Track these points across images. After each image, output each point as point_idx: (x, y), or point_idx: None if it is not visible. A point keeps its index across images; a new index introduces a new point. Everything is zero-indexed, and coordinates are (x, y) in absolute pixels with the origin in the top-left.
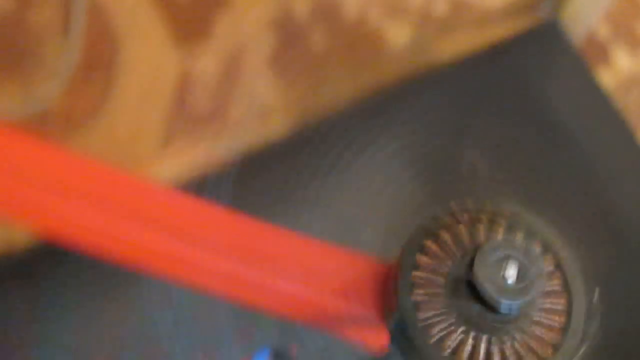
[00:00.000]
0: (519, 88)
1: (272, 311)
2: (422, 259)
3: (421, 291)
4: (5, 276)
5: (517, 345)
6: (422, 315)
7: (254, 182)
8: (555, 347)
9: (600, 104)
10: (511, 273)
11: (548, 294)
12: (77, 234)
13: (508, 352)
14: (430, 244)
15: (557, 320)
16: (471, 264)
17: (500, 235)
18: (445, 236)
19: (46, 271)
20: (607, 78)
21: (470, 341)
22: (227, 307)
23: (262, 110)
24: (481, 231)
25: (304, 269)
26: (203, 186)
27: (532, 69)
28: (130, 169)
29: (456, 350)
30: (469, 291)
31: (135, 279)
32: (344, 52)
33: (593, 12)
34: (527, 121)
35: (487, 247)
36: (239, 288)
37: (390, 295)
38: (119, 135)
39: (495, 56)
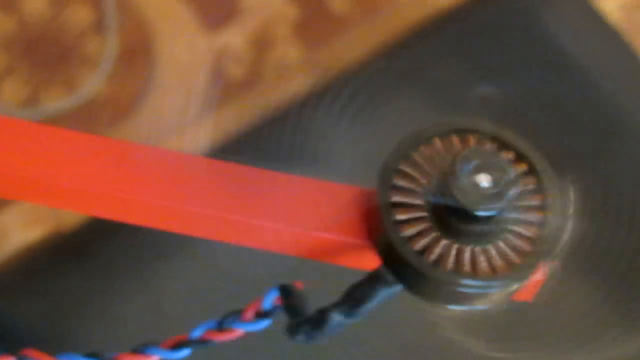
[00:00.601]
0: (520, 23)
1: (262, 248)
2: (400, 179)
3: (402, 210)
4: (56, 253)
5: (501, 245)
6: (405, 232)
7: (281, 131)
8: (537, 241)
9: (600, 28)
10: (485, 181)
11: (524, 194)
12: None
13: (493, 252)
14: (406, 164)
15: (536, 217)
16: (447, 178)
17: (472, 147)
18: (420, 155)
19: (94, 247)
20: (611, 2)
21: (454, 251)
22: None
23: (288, 72)
24: (454, 144)
25: (288, 205)
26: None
27: (530, 4)
28: (173, 143)
29: (440, 260)
30: (448, 204)
31: (175, 251)
32: (360, 13)
33: None
34: (531, 53)
35: (460, 158)
36: (229, 231)
37: (375, 219)
38: (164, 114)
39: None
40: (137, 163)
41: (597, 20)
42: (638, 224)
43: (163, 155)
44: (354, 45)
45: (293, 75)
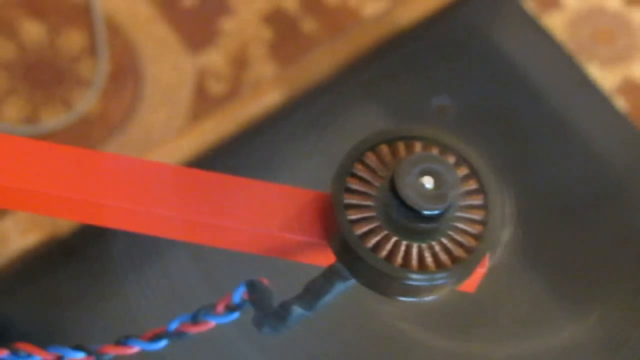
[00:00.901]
0: (472, 40)
1: (227, 247)
2: (353, 182)
3: (355, 210)
4: (53, 256)
5: (444, 241)
6: (358, 230)
7: (257, 141)
8: (479, 238)
9: (546, 43)
10: (430, 182)
11: (467, 194)
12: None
13: (437, 248)
14: (358, 167)
15: (478, 215)
16: (394, 181)
17: (417, 152)
18: (370, 158)
19: (85, 251)
20: (559, 19)
21: (402, 247)
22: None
23: (264, 87)
24: (401, 150)
25: (251, 208)
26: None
27: (483, 21)
28: (160, 154)
29: (391, 255)
30: (396, 204)
31: (161, 252)
32: (328, 32)
33: None
34: (483, 67)
35: (406, 162)
36: (196, 232)
37: (330, 219)
38: (151, 129)
39: (446, 17)
40: (122, 174)
41: (544, 36)
42: (576, 221)
43: (142, 165)
44: (322, 62)
45: (268, 90)
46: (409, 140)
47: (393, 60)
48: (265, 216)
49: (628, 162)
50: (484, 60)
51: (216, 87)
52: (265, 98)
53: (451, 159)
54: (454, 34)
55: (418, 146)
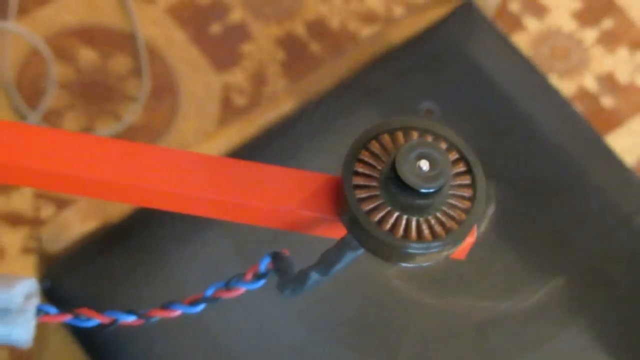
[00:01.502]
0: (452, 54)
1: (253, 223)
2: (359, 166)
3: (362, 190)
4: (107, 239)
5: (439, 215)
6: (365, 207)
7: (274, 142)
8: (468, 212)
9: (515, 57)
10: (425, 165)
11: (457, 175)
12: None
13: (433, 222)
14: (363, 153)
15: (467, 192)
16: (396, 164)
17: (414, 138)
18: (374, 145)
19: (135, 234)
20: (523, 38)
21: (403, 221)
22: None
23: (278, 98)
24: (400, 138)
25: (274, 189)
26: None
27: (462, 38)
28: None
29: (393, 228)
30: (397, 184)
31: (199, 230)
32: (330, 52)
33: None
34: (463, 76)
35: (405, 148)
36: (227, 211)
37: (341, 198)
38: (186, 135)
39: (430, 35)
40: (167, 163)
41: (511, 51)
42: (542, 203)
43: (182, 155)
44: (326, 76)
45: (282, 101)
46: (406, 130)
47: (386, 72)
48: (286, 196)
49: (583, 156)
50: (463, 71)
51: (239, 100)
52: (280, 107)
53: (443, 145)
54: (438, 49)
55: (415, 135)
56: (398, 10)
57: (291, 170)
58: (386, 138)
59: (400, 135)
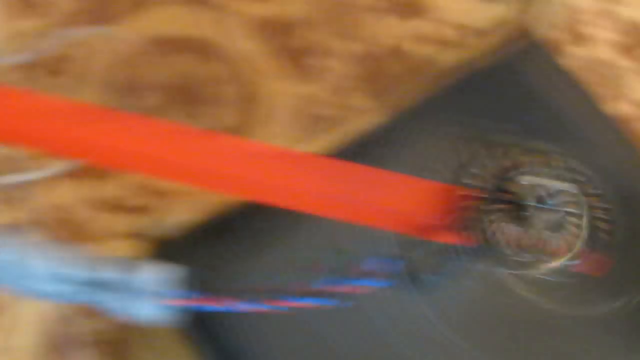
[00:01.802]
0: (505, 79)
1: (370, 226)
2: (472, 180)
3: (476, 202)
4: (215, 230)
5: (548, 232)
6: (480, 218)
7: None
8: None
9: (565, 79)
10: (538, 183)
11: (564, 199)
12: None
13: (544, 235)
14: (476, 171)
15: (569, 219)
16: (506, 180)
17: (528, 159)
18: (485, 162)
19: (239, 225)
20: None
21: (511, 233)
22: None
23: (360, 111)
24: (500, 156)
25: (396, 195)
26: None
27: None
28: None
29: (503, 239)
30: (510, 199)
31: (299, 228)
32: (408, 73)
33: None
34: (519, 107)
35: (520, 167)
36: (346, 213)
37: (455, 211)
38: (269, 140)
39: (489, 65)
40: (276, 160)
41: (563, 74)
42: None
43: (294, 155)
44: (404, 95)
45: (365, 115)
46: (506, 148)
47: (464, 94)
48: (399, 201)
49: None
50: (516, 95)
51: (325, 112)
52: (364, 121)
53: (556, 171)
54: (507, 75)
55: (514, 153)
56: (449, 32)
57: (407, 176)
58: (499, 154)
59: (499, 151)
